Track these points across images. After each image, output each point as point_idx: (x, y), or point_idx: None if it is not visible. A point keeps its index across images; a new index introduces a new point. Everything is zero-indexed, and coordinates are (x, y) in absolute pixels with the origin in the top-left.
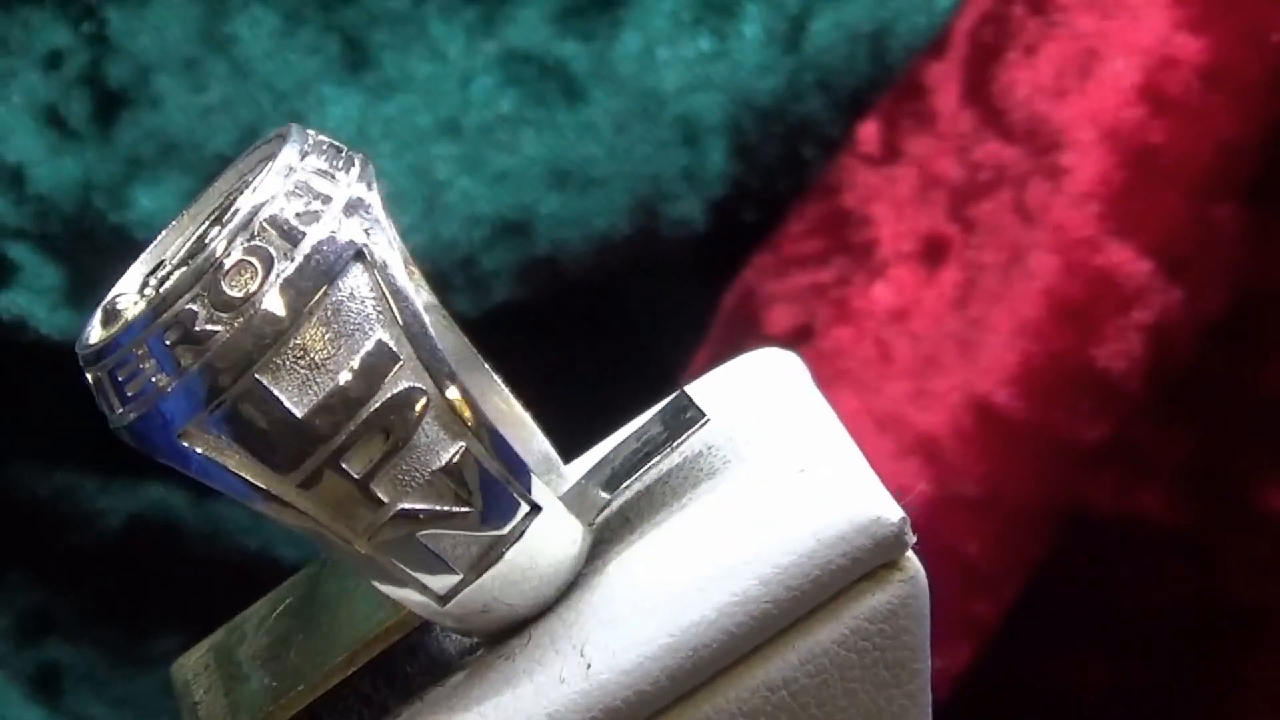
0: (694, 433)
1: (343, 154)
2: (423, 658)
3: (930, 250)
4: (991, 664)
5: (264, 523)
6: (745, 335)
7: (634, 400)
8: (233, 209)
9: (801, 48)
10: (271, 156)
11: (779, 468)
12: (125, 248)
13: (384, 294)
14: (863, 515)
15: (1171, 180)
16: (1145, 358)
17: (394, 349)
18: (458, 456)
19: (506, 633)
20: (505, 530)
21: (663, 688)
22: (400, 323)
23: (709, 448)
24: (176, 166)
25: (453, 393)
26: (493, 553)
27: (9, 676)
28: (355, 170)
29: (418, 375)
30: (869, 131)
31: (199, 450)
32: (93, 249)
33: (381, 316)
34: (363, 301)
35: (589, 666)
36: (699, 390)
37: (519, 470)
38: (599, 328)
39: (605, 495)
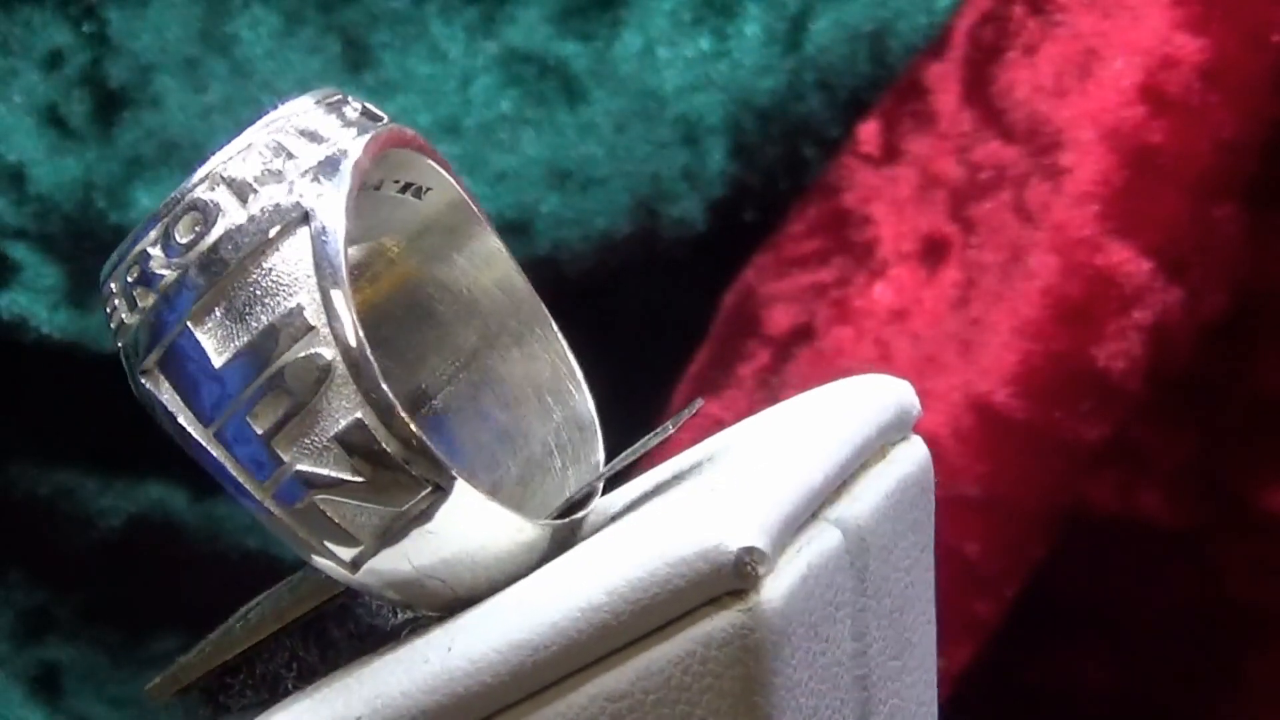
0: (653, 443)
1: (378, 122)
2: (352, 626)
3: (930, 250)
4: (991, 664)
5: None
6: (745, 335)
7: (634, 400)
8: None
9: (801, 48)
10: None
11: (702, 484)
12: None
13: (315, 261)
14: (706, 541)
15: (1171, 180)
16: (1145, 358)
17: (308, 314)
18: (352, 428)
19: (455, 611)
20: (404, 507)
21: (505, 683)
22: (320, 290)
23: (710, 459)
24: (176, 166)
25: (359, 366)
26: (395, 527)
27: (9, 676)
28: (352, 133)
29: (327, 343)
30: (869, 131)
31: (153, 391)
32: (93, 249)
33: (308, 281)
34: (296, 264)
35: (449, 651)
36: (793, 404)
37: (420, 451)
38: (599, 328)
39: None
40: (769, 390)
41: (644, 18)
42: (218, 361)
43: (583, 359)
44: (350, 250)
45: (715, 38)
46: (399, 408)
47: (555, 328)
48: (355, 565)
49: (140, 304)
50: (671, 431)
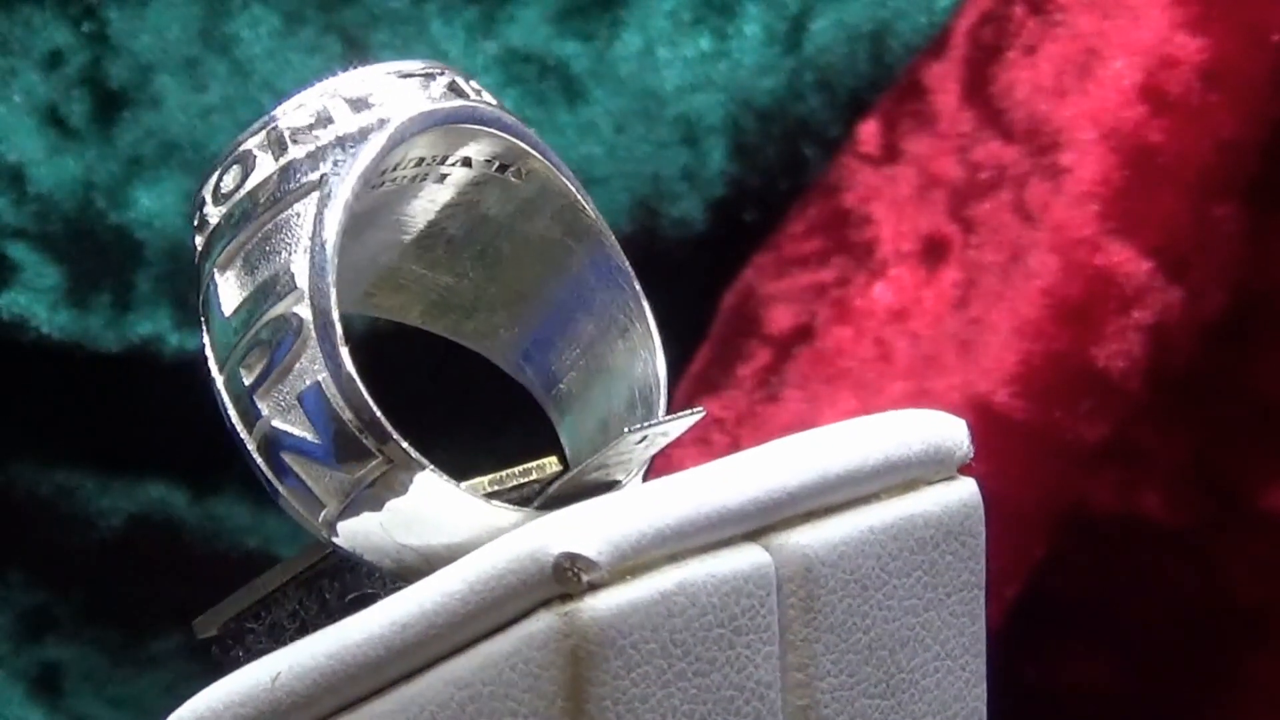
0: (617, 446)
1: (463, 99)
2: (340, 587)
3: (930, 250)
4: (991, 664)
5: (264, 521)
6: (745, 335)
7: None
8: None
9: (801, 48)
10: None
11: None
12: (125, 247)
13: (313, 224)
14: (536, 542)
15: (1171, 180)
16: (1145, 358)
17: (294, 275)
18: (313, 389)
19: None
20: (357, 475)
21: (381, 656)
22: (309, 253)
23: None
24: (177, 166)
25: (325, 328)
26: (354, 494)
27: (9, 676)
28: (414, 104)
29: (305, 306)
30: (869, 131)
31: (201, 335)
32: (93, 249)
33: (306, 242)
34: (301, 225)
35: (342, 624)
36: (820, 430)
37: (370, 422)
38: None
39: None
40: (769, 390)
41: (644, 18)
42: (227, 310)
43: None
44: (489, 147)
45: (715, 38)
46: (355, 375)
47: (654, 326)
48: (328, 527)
49: (199, 248)
50: (627, 435)
